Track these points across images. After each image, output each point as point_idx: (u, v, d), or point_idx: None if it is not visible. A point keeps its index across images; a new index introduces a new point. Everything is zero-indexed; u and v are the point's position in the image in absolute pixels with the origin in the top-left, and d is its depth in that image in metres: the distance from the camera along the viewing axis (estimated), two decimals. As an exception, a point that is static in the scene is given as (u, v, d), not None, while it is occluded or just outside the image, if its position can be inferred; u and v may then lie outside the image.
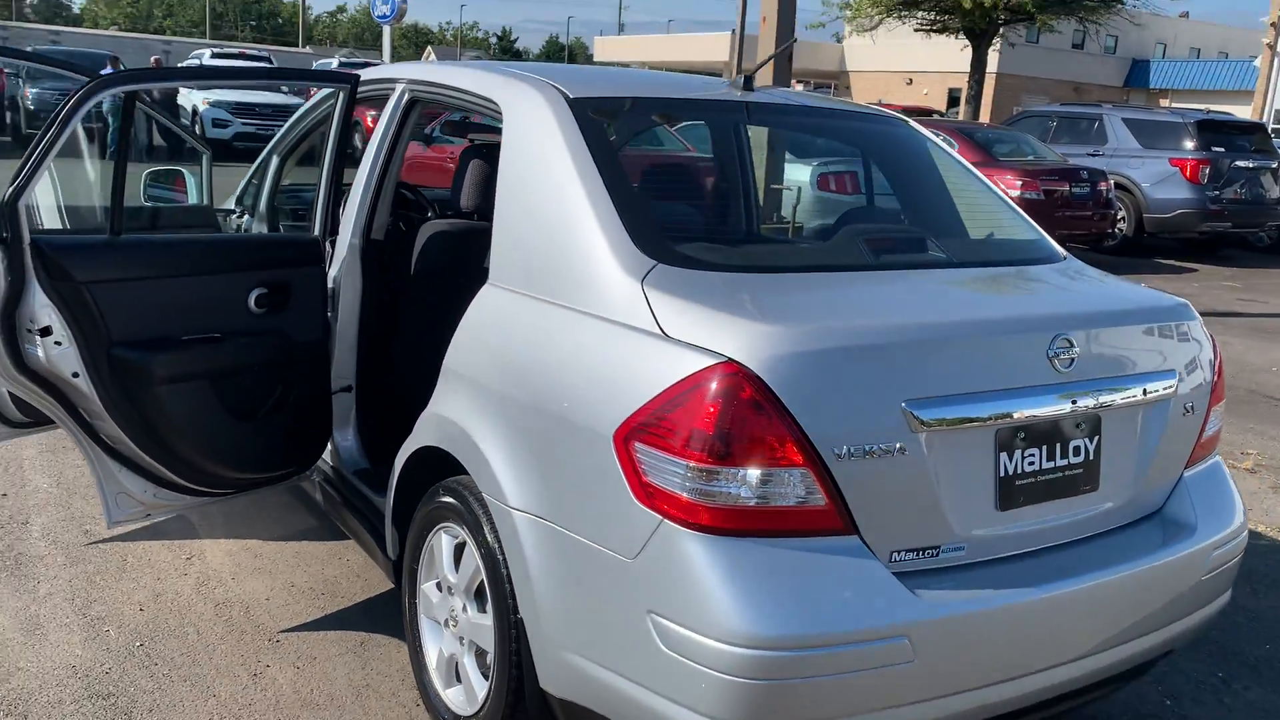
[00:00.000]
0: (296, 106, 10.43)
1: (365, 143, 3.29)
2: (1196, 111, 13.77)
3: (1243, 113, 30.69)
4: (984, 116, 31.96)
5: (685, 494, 1.95)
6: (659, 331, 2.07)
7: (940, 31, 25.58)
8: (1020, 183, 11.39)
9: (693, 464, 1.94)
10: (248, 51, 30.33)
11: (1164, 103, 41.14)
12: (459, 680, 2.62)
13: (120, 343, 2.73)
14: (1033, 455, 2.19)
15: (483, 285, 2.56)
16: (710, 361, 1.95)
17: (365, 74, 3.42)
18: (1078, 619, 2.17)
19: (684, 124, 3.44)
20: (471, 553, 2.46)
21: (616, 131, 2.61)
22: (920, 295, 2.34)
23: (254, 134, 17.83)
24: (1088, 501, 2.30)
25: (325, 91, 3.56)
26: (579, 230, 2.32)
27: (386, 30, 20.17)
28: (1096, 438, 2.28)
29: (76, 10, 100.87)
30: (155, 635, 3.04)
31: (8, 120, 18.38)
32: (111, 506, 2.98)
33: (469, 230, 3.20)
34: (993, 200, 3.05)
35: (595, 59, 57.36)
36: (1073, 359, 2.20)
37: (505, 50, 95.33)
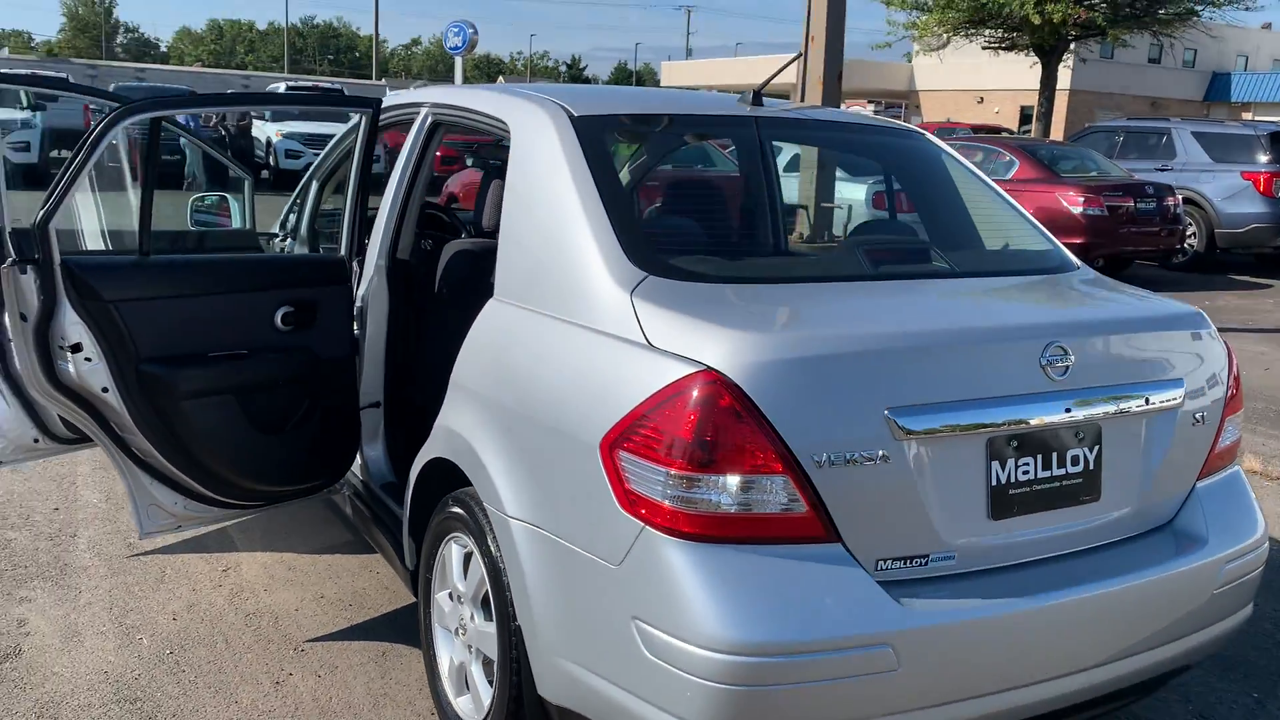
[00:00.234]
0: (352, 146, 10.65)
1: (433, 170, 3.37)
2: (1269, 124, 13.39)
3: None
4: (1057, 134, 31.46)
5: (667, 501, 1.97)
6: (644, 341, 2.10)
7: (1009, 49, 25.26)
8: (1083, 199, 11.19)
9: (673, 471, 1.96)
10: (320, 84, 31.18)
11: (1246, 116, 40.00)
12: (468, 689, 2.66)
13: (148, 359, 2.84)
14: (1027, 464, 2.16)
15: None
16: (689, 370, 1.98)
17: (390, 99, 3.52)
18: (1075, 631, 2.13)
19: (693, 141, 3.45)
20: (477, 562, 2.51)
21: (620, 147, 2.66)
22: (912, 304, 2.33)
23: (325, 164, 18.31)
24: (1089, 512, 2.26)
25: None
26: (574, 243, 2.36)
27: (459, 61, 20.62)
28: (1097, 447, 2.25)
29: (164, 49, 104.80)
30: (185, 644, 3.14)
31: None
32: (143, 518, 3.09)
33: (489, 249, 3.26)
34: (1008, 212, 3.03)
35: (663, 84, 57.73)
36: (1067, 367, 2.17)
37: (574, 78, 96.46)
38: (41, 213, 2.65)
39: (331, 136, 19.44)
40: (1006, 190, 11.17)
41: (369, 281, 3.30)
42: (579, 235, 2.36)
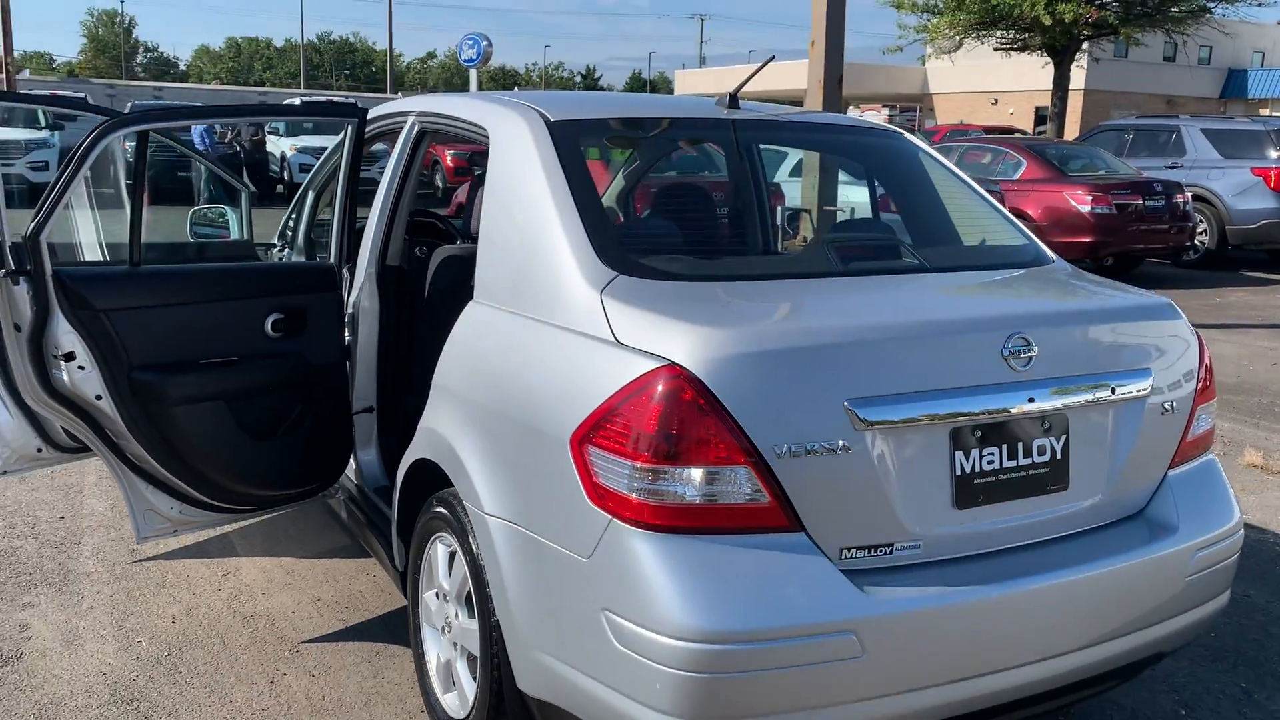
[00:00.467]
0: (381, 152, 10.83)
1: (446, 180, 3.44)
2: (1279, 119, 13.31)
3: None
4: (1071, 134, 31.32)
5: (633, 494, 2.01)
6: (612, 339, 2.15)
7: (1021, 50, 25.20)
8: (1091, 198, 11.18)
9: (639, 465, 2.00)
10: (335, 99, 31.46)
11: (1263, 113, 39.70)
12: (455, 686, 2.71)
13: (140, 366, 2.91)
14: (992, 454, 2.19)
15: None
16: (653, 365, 2.02)
17: (378, 109, 3.58)
18: (1043, 618, 2.16)
19: (672, 142, 3.50)
20: (460, 560, 2.56)
21: (593, 149, 2.70)
22: (875, 298, 2.37)
23: (339, 178, 18.52)
24: (1058, 501, 2.29)
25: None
26: (548, 244, 2.41)
27: (474, 74, 20.77)
28: (1064, 437, 2.28)
29: (184, 67, 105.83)
30: (184, 646, 3.20)
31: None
32: (140, 522, 3.16)
33: (475, 253, 3.32)
34: (985, 208, 3.05)
35: (677, 92, 57.85)
36: (1030, 358, 2.20)
37: (589, 88, 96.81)
38: (33, 225, 2.72)
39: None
40: (1014, 190, 11.17)
41: (359, 288, 3.35)
42: (552, 236, 2.41)
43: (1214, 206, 12.67)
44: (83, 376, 2.85)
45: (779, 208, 7.01)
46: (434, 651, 2.79)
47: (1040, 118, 38.89)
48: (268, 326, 3.14)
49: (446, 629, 2.71)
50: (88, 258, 3.73)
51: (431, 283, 3.42)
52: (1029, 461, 2.24)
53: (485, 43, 20.52)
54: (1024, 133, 30.74)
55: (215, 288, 3.04)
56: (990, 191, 10.85)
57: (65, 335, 2.81)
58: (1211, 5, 23.46)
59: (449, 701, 2.72)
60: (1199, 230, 12.65)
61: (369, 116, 3.47)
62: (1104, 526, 2.38)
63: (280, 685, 3.00)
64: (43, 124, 18.39)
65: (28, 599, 3.48)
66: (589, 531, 2.08)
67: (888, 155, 3.25)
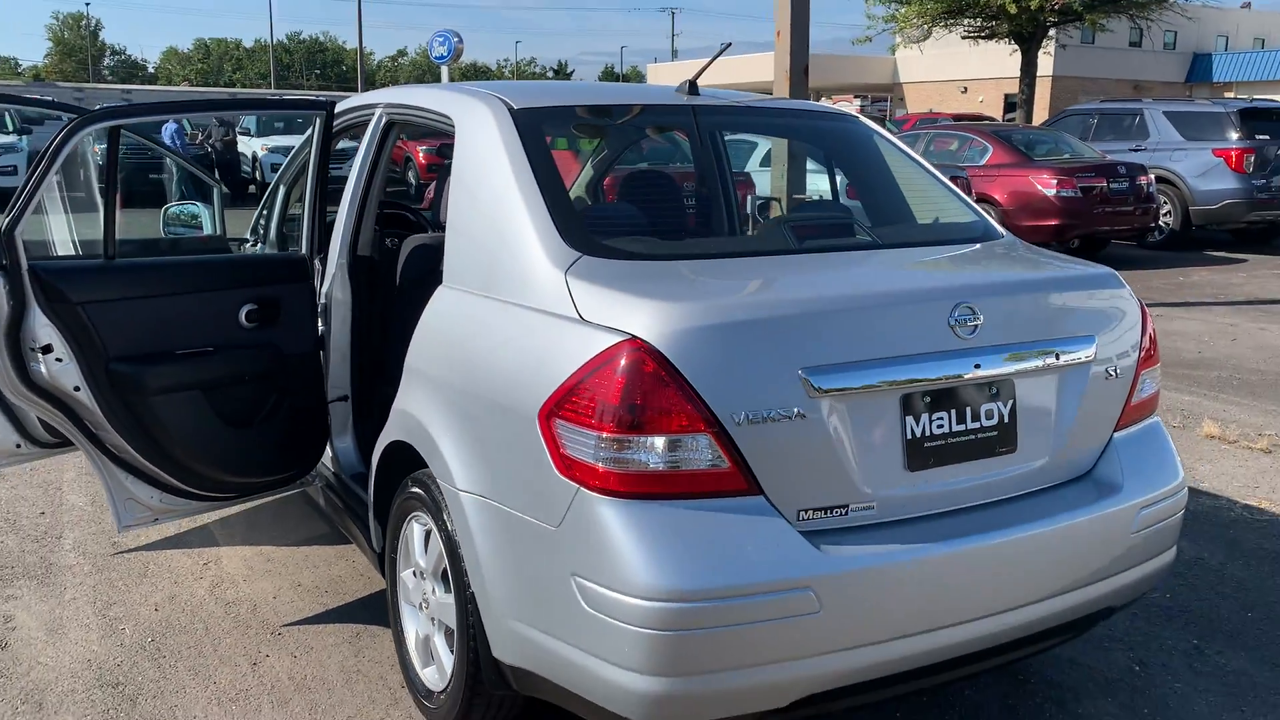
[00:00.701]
0: (353, 149, 10.84)
1: (419, 178, 3.51)
2: (1238, 101, 13.54)
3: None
4: (1040, 120, 31.59)
5: (599, 463, 2.10)
6: (576, 316, 2.23)
7: (989, 38, 25.42)
8: (1056, 181, 11.34)
9: (604, 435, 2.09)
10: (304, 99, 31.38)
11: (1229, 96, 40.16)
12: (433, 660, 2.79)
13: (117, 358, 2.97)
14: (941, 418, 2.29)
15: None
16: (616, 339, 2.10)
17: (346, 102, 3.65)
18: (993, 574, 2.26)
19: (634, 128, 3.59)
20: (435, 537, 2.64)
21: (560, 140, 2.78)
22: (828, 273, 2.47)
23: (312, 177, 18.52)
24: (1006, 463, 2.39)
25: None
26: (513, 228, 2.49)
27: (445, 70, 20.77)
28: (1011, 401, 2.38)
29: (152, 70, 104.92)
30: (167, 632, 3.27)
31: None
32: (121, 512, 3.21)
33: (444, 241, 3.40)
34: (937, 187, 3.16)
35: (648, 86, 57.77)
36: (976, 326, 2.30)
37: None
38: (7, 219, 2.77)
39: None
40: (981, 176, 11.33)
41: (331, 279, 3.42)
42: (517, 220, 2.49)
43: (1177, 188, 12.87)
44: (61, 369, 2.91)
45: (749, 197, 7.12)
46: (412, 628, 2.87)
47: (1009, 105, 39.20)
48: (242, 317, 3.20)
49: (424, 605, 2.79)
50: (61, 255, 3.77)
51: (402, 272, 3.49)
52: (977, 425, 2.34)
53: (456, 39, 20.54)
54: (993, 120, 31.03)
55: (189, 280, 3.10)
56: (956, 178, 10.95)
57: (42, 328, 2.86)
58: (1174, -11, 23.76)
59: (428, 675, 2.80)
60: (1163, 211, 12.85)
61: (337, 109, 3.54)
62: (1053, 487, 2.48)
63: (263, 666, 3.07)
64: (10, 128, 18.26)
65: (10, 591, 3.54)
66: (558, 501, 2.16)
67: (843, 138, 3.35)
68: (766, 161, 10.31)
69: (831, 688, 2.15)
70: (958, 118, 24.49)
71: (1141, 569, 2.56)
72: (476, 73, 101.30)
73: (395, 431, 2.79)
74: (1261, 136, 12.59)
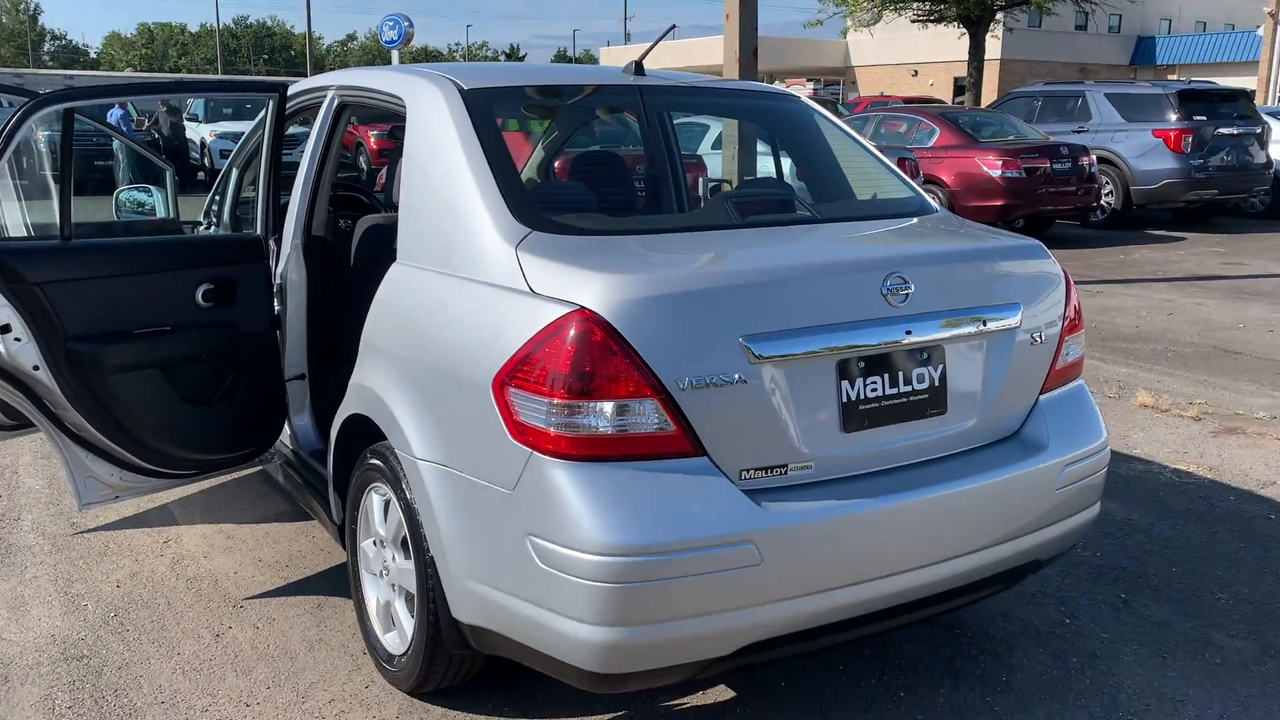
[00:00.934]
0: (303, 135, 10.79)
1: (370, 162, 3.57)
2: (1177, 83, 13.88)
3: (1250, 84, 30.58)
4: (987, 102, 32.02)
5: (551, 428, 2.20)
6: (528, 289, 2.33)
7: (937, 21, 25.73)
8: (1001, 163, 11.58)
9: (556, 401, 2.19)
10: (259, 80, 30.99)
11: (1172, 78, 40.93)
12: (394, 625, 2.88)
13: (75, 337, 3.02)
14: (875, 383, 2.42)
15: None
16: (565, 310, 2.20)
17: (299, 85, 3.70)
18: (925, 528, 2.39)
19: (582, 108, 3.68)
20: (395, 506, 2.72)
21: (509, 117, 2.86)
22: (767, 246, 2.58)
23: (261, 163, 18.35)
24: (937, 424, 2.53)
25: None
26: (465, 205, 2.58)
27: (395, 55, 20.65)
28: (941, 366, 2.51)
29: (94, 55, 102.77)
30: (129, 607, 3.33)
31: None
32: (81, 490, 3.26)
33: (397, 221, 3.47)
34: (875, 165, 3.28)
35: (601, 70, 57.62)
36: (907, 295, 2.43)
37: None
38: (-37, 202, 2.81)
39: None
40: (928, 157, 11.56)
41: (286, 259, 3.48)
42: (469, 197, 2.58)
43: (1118, 168, 13.18)
44: (19, 348, 2.95)
45: (700, 179, 7.22)
46: (373, 595, 2.96)
47: (959, 88, 39.67)
48: (199, 297, 3.26)
49: (384, 573, 2.88)
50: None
51: (357, 251, 3.56)
52: (909, 389, 2.47)
53: (406, 23, 20.41)
54: (942, 103, 31.41)
55: (146, 260, 3.15)
56: (904, 160, 11.12)
57: (0, 309, 2.90)
58: (1116, -26, 24.18)
59: (389, 640, 2.89)
60: (1105, 192, 13.16)
61: (290, 91, 3.59)
62: (981, 447, 2.62)
63: (226, 637, 3.14)
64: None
65: (-29, 572, 3.57)
66: (512, 465, 2.26)
67: (785, 118, 3.46)
68: (719, 144, 10.43)
69: (773, 636, 2.27)
70: (908, 101, 24.78)
71: (1066, 524, 2.71)
72: (427, 57, 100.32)
73: (353, 405, 2.87)
74: (1199, 118, 12.92)
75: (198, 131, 20.45)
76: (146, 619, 3.25)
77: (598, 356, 2.17)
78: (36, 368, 2.99)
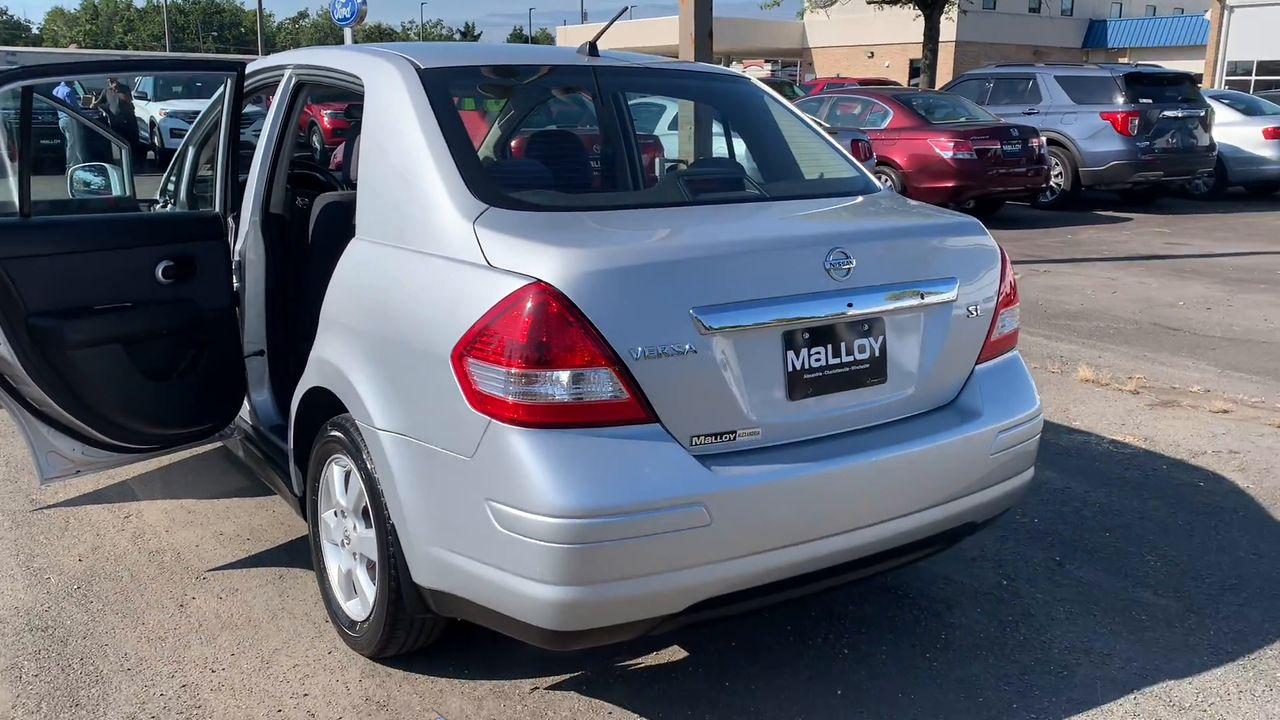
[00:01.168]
0: (256, 114, 10.70)
1: (324, 142, 3.61)
2: (1125, 66, 14.16)
3: (1199, 68, 31.20)
4: (942, 84, 32.36)
5: (509, 397, 2.29)
6: (485, 263, 2.41)
7: (893, 3, 25.92)
8: (953, 144, 11.77)
9: (513, 370, 2.27)
10: (216, 59, 30.52)
11: (1123, 61, 41.58)
12: (356, 593, 2.95)
13: (36, 312, 3.05)
14: (819, 353, 2.53)
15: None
16: (522, 283, 2.29)
17: (256, 63, 3.73)
18: (866, 491, 2.52)
19: (537, 88, 3.75)
20: (355, 477, 2.80)
21: (465, 96, 2.93)
22: (717, 222, 2.68)
23: (212, 141, 18.13)
24: (878, 393, 2.65)
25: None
26: (423, 182, 2.65)
27: (348, 33, 20.42)
28: (881, 337, 2.63)
29: (37, 31, 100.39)
30: (92, 579, 3.37)
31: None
32: (43, 464, 3.30)
33: (355, 199, 3.52)
34: (822, 145, 3.39)
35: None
36: (849, 269, 2.54)
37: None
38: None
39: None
40: (882, 139, 11.72)
41: (245, 237, 3.52)
42: (427, 174, 2.65)
43: (1068, 150, 13.44)
44: (-21, 324, 2.98)
45: (657, 159, 7.31)
46: (335, 564, 3.03)
47: (915, 70, 40.00)
48: (159, 274, 3.30)
49: (345, 542, 2.95)
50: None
51: (315, 228, 3.61)
52: (851, 359, 2.58)
53: (359, 0, 20.20)
54: (898, 85, 31.68)
55: (106, 237, 3.18)
56: (857, 141, 11.22)
57: (-40, 285, 2.93)
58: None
59: (351, 607, 2.97)
60: (1054, 173, 13.41)
61: (247, 70, 3.63)
62: (920, 414, 2.75)
63: (190, 608, 3.20)
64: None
65: (-69, 548, 3.59)
66: (471, 433, 2.35)
67: (736, 99, 3.56)
68: (675, 125, 10.51)
69: (723, 593, 2.39)
70: (864, 82, 24.97)
71: (1000, 488, 2.85)
72: (381, 34, 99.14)
73: (314, 378, 2.93)
74: (1145, 101, 13.20)
75: (147, 110, 20.15)
76: (110, 590, 3.30)
77: (554, 327, 2.26)
78: (-3, 343, 3.02)
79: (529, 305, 2.27)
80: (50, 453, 3.31)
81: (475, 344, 2.33)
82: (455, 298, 2.42)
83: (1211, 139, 13.85)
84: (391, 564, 2.65)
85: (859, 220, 2.85)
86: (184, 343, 3.37)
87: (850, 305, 2.54)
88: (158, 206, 4.56)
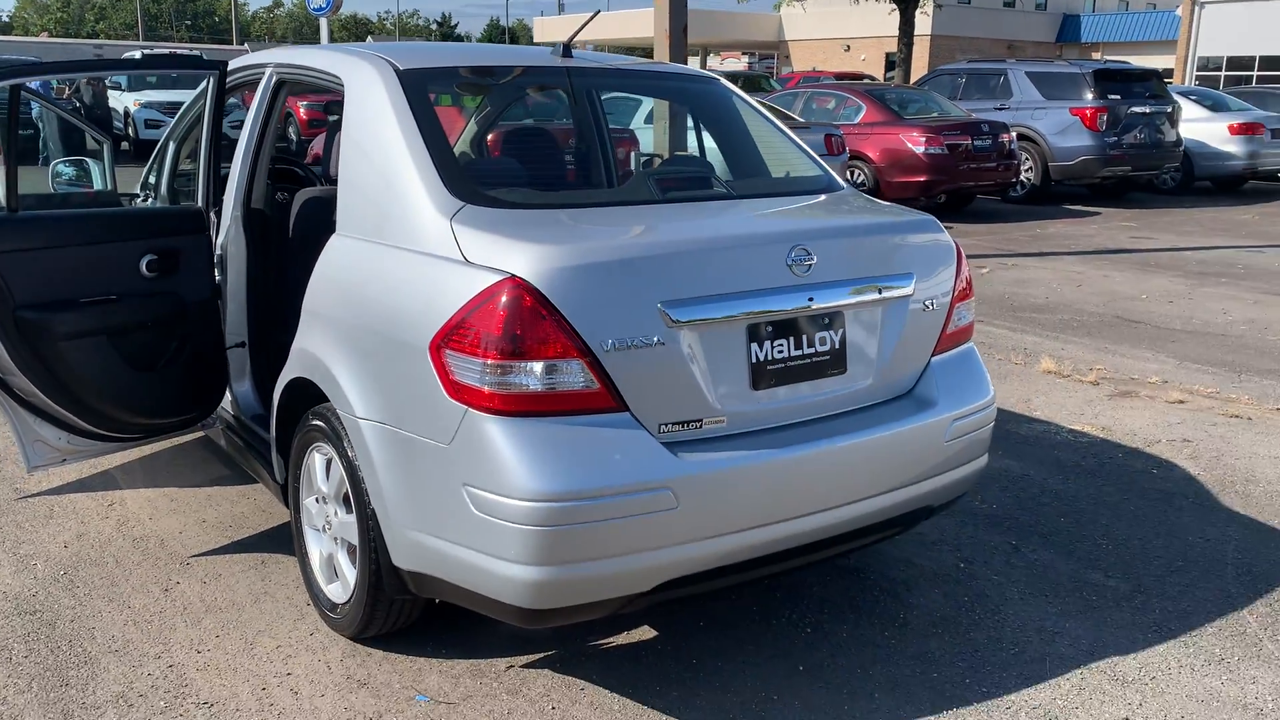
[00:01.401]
0: (233, 105, 10.73)
1: (300, 133, 3.70)
2: (1094, 62, 14.38)
3: (1170, 63, 31.56)
4: (916, 78, 32.62)
5: (485, 387, 2.40)
6: (462, 258, 2.52)
7: (868, -4, 26.10)
8: (924, 139, 11.93)
9: (489, 361, 2.39)
10: (178, 50, 30.34)
11: (1095, 56, 42.01)
12: (337, 577, 3.06)
13: (24, 305, 3.13)
14: (781, 345, 2.66)
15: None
16: (497, 278, 2.40)
17: (237, 61, 3.82)
18: (826, 476, 2.65)
19: (513, 88, 3.86)
20: (336, 464, 2.90)
21: (445, 96, 3.03)
22: (684, 220, 2.80)
23: (187, 133, 18.05)
24: (838, 383, 2.77)
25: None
26: (402, 180, 2.75)
27: (324, 22, 20.35)
28: (841, 330, 2.76)
29: (7, 19, 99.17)
30: (78, 565, 3.46)
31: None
32: (30, 453, 3.38)
33: (335, 194, 3.62)
34: (788, 145, 3.52)
35: (536, 40, 57.40)
36: (810, 265, 2.66)
37: (445, 37, 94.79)
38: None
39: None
40: (855, 134, 11.86)
41: (226, 231, 3.61)
42: (405, 173, 2.75)
43: (1038, 145, 13.65)
44: (-31, 316, 3.06)
45: (632, 153, 7.40)
46: (316, 549, 3.14)
47: (890, 64, 40.24)
48: (143, 267, 3.38)
49: (327, 527, 3.05)
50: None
51: (295, 223, 3.70)
52: (812, 351, 2.71)
53: (336, -9, 20.16)
54: (874, 79, 31.89)
55: (91, 231, 3.27)
56: (831, 136, 11.32)
57: (-50, 278, 3.01)
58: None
59: (333, 590, 3.07)
60: (1024, 168, 13.62)
61: (229, 68, 3.71)
62: (878, 404, 2.88)
63: (175, 592, 3.30)
64: None
65: (-83, 535, 3.67)
66: (448, 421, 2.46)
67: (705, 99, 3.67)
68: (650, 119, 10.61)
69: (688, 573, 2.51)
70: (840, 76, 25.18)
71: (955, 473, 2.99)
72: (357, 25, 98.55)
73: (296, 369, 3.03)
74: (1113, 96, 13.42)
75: (121, 100, 20.02)
76: (96, 576, 3.39)
77: (528, 320, 2.37)
78: (-15, 335, 3.10)
79: (504, 299, 2.38)
80: (36, 441, 3.39)
81: (452, 336, 2.44)
82: (433, 292, 2.52)
83: (1178, 135, 14.10)
84: (372, 548, 2.75)
85: (820, 218, 2.98)
86: (168, 335, 3.46)
87: (811, 300, 2.66)
88: (139, 201, 4.63)
